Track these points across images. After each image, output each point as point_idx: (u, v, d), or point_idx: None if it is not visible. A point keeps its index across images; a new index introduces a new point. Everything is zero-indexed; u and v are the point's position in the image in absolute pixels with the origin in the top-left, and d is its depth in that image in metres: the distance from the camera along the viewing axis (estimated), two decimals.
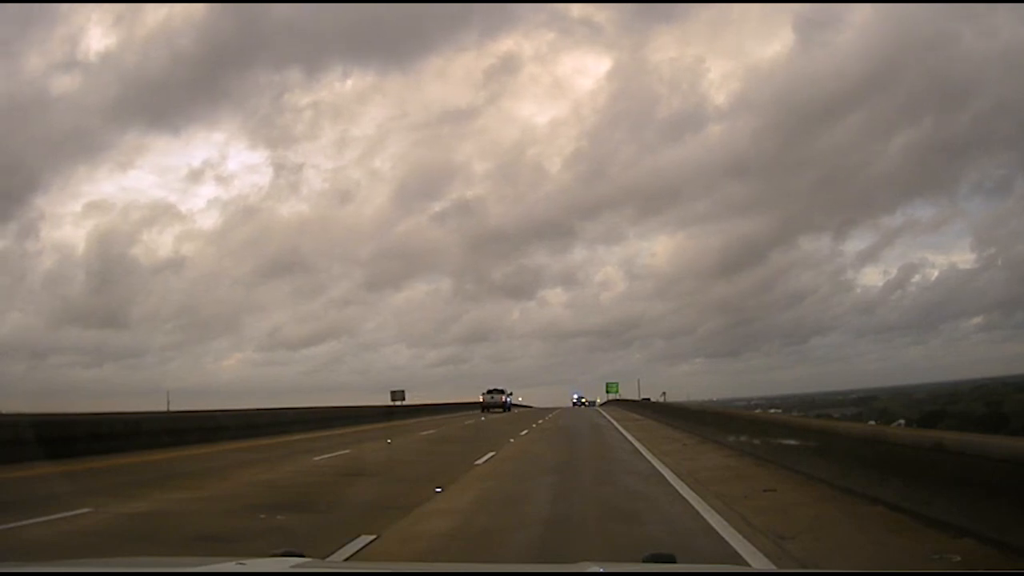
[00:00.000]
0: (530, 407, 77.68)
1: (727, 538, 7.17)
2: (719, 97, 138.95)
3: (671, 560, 2.79)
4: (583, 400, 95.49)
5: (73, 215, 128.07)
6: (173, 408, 30.99)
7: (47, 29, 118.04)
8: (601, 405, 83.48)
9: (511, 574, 3.58)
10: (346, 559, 6.39)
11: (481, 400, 58.42)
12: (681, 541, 7.08)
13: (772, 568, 6.02)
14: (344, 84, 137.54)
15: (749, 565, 6.02)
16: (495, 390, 59.25)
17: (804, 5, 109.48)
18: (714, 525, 7.84)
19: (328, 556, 6.26)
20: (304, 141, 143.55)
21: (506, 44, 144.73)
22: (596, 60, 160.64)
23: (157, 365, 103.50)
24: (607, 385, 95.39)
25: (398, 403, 46.15)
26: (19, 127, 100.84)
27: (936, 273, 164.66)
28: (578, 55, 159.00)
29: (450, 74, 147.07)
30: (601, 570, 3.05)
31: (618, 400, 78.76)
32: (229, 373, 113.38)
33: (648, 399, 62.27)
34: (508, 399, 59.99)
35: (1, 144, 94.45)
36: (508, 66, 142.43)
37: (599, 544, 7.14)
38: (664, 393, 68.20)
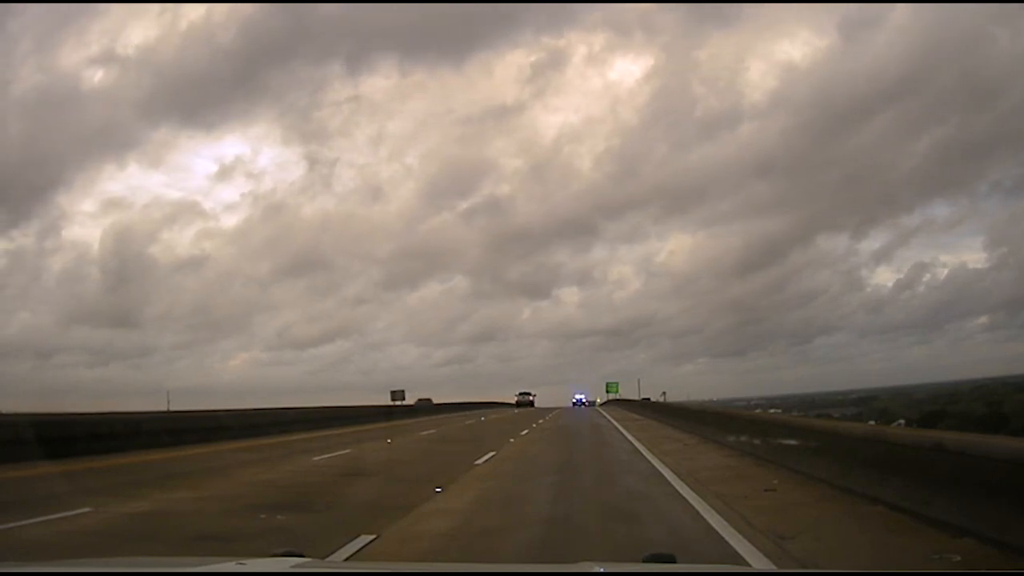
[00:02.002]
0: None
1: (727, 538, 7.16)
2: (755, 95, 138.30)
3: (671, 560, 2.79)
4: (583, 400, 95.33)
5: (94, 213, 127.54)
6: (174, 408, 31.02)
7: (86, 22, 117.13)
8: (601, 405, 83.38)
9: (511, 574, 3.58)
10: (346, 559, 6.38)
11: (515, 400, 78.00)
12: (681, 541, 7.08)
13: (772, 568, 6.02)
14: (388, 79, 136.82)
15: (749, 565, 6.01)
16: (524, 392, 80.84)
17: (850, 5, 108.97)
18: (714, 525, 7.84)
19: (328, 556, 6.26)
20: (339, 137, 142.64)
21: (555, 42, 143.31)
22: (637, 59, 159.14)
23: (163, 365, 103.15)
24: (607, 385, 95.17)
25: (398, 403, 46.18)
26: (50, 122, 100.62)
27: (946, 272, 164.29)
28: (621, 54, 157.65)
29: (497, 71, 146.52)
30: (601, 570, 3.05)
31: (618, 400, 78.69)
32: (234, 373, 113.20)
33: (648, 399, 62.22)
34: (533, 398, 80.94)
35: (30, 139, 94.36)
36: (554, 62, 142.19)
37: (599, 544, 7.14)
38: (664, 393, 68.24)
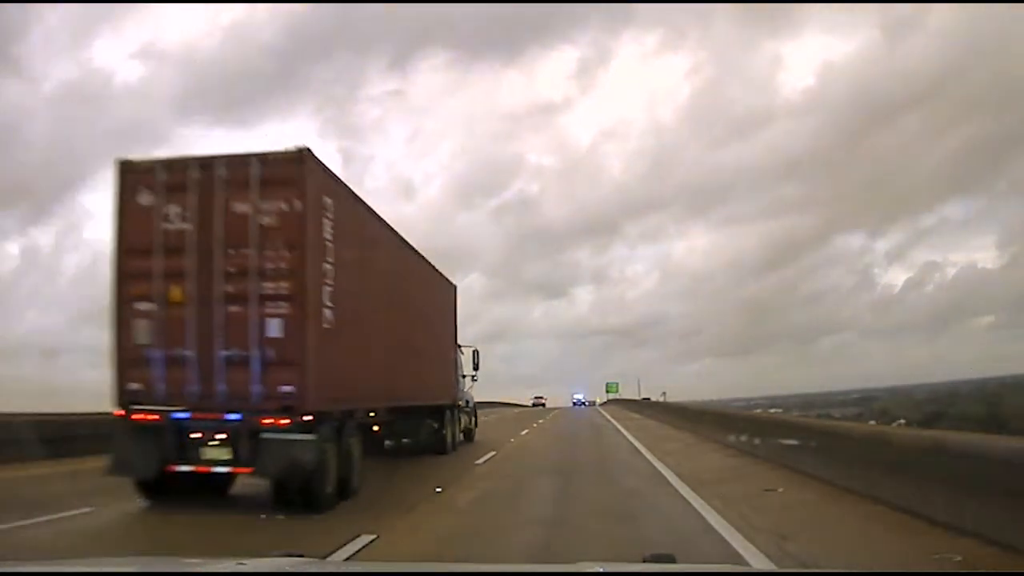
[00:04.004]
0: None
1: (727, 538, 7.16)
2: (790, 94, 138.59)
3: (671, 560, 2.78)
4: (583, 400, 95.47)
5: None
6: None
7: (127, 16, 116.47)
8: (601, 405, 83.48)
9: (511, 574, 3.58)
10: (346, 559, 6.38)
11: (531, 402, 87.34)
12: (681, 541, 7.08)
13: (772, 568, 6.02)
14: (435, 74, 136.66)
15: (749, 565, 6.01)
16: (538, 396, 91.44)
17: (894, 5, 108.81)
18: (714, 525, 7.84)
19: (328, 556, 6.26)
20: (376, 133, 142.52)
21: (608, 40, 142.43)
22: (682, 58, 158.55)
23: None
24: (607, 385, 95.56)
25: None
26: (79, 118, 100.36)
27: (956, 271, 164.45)
28: (671, 53, 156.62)
29: (546, 68, 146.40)
30: (601, 570, 3.04)
31: (618, 400, 78.77)
32: None
33: (648, 399, 62.29)
34: (545, 401, 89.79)
35: (57, 135, 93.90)
36: (602, 59, 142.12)
37: (599, 544, 7.14)
38: (664, 393, 68.18)
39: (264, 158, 8.60)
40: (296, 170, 8.59)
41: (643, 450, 17.61)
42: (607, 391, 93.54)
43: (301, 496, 8.59)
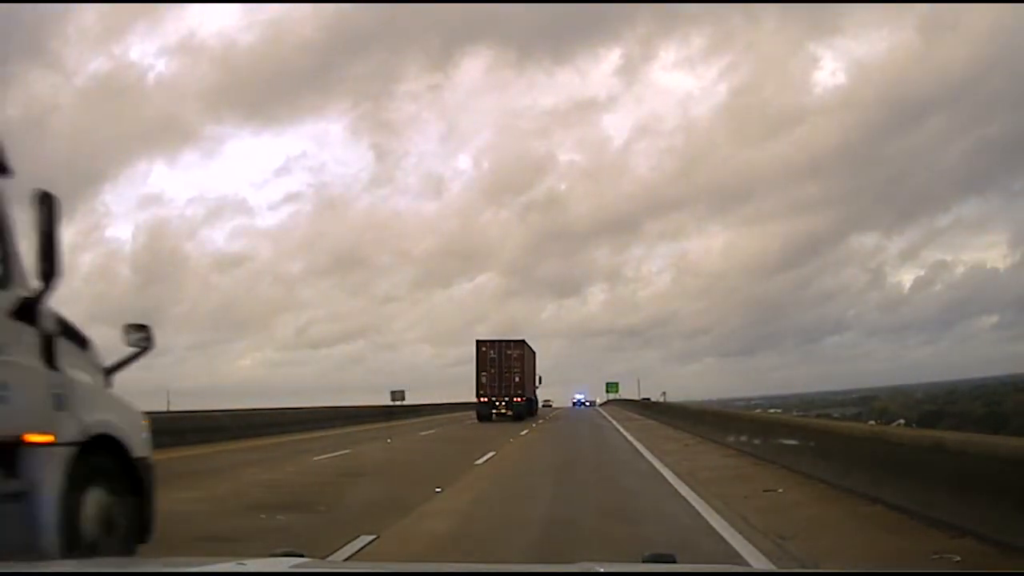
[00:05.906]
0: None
1: (727, 538, 7.17)
2: (821, 93, 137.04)
3: (671, 560, 2.78)
4: (583, 400, 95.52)
5: (133, 210, 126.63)
6: (174, 408, 30.97)
7: (164, 10, 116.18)
8: (601, 405, 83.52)
9: (511, 574, 3.58)
10: (346, 559, 6.38)
11: (542, 403, 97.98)
12: (681, 541, 7.08)
13: (772, 568, 6.02)
14: (476, 72, 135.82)
15: (749, 565, 6.01)
16: (547, 400, 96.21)
17: (931, 5, 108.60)
18: (714, 525, 7.84)
19: (328, 556, 6.26)
20: (410, 130, 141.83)
21: (655, 38, 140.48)
22: (721, 58, 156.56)
23: (175, 365, 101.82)
24: (607, 385, 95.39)
25: (398, 403, 46.23)
26: (108, 113, 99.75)
27: (964, 270, 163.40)
28: (711, 54, 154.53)
29: (592, 66, 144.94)
30: (601, 570, 3.04)
31: (618, 400, 78.79)
32: (245, 372, 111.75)
33: (648, 399, 62.37)
34: (552, 403, 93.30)
35: (83, 130, 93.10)
36: (646, 58, 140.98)
37: (599, 544, 7.14)
38: (664, 393, 68.22)
39: (516, 341, 41.94)
40: (521, 345, 41.83)
41: (642, 450, 17.62)
42: (607, 391, 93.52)
43: (521, 418, 38.19)
